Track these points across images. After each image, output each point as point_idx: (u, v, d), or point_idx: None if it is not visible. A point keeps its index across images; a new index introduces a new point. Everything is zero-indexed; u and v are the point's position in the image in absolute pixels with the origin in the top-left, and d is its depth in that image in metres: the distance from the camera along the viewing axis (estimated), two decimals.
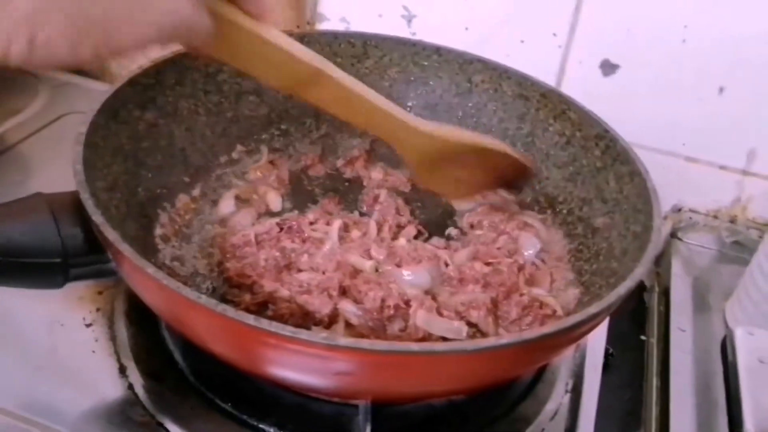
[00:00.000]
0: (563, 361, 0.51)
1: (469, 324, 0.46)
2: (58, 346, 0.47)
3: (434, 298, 0.48)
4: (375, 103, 0.47)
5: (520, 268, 0.51)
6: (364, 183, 0.62)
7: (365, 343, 0.33)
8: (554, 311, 0.47)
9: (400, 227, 0.55)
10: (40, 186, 0.44)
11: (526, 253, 0.53)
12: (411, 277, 0.49)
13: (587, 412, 0.47)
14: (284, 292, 0.46)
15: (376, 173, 0.62)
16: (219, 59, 0.43)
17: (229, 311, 0.33)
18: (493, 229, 0.56)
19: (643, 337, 0.58)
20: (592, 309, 0.37)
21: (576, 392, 0.49)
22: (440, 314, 0.46)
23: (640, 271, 0.40)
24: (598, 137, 0.53)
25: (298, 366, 0.35)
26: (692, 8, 0.61)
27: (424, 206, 0.59)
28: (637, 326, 0.59)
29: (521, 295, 0.49)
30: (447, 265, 0.51)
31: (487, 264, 0.51)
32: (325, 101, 0.46)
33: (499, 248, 0.53)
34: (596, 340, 0.53)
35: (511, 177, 0.56)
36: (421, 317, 0.45)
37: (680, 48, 0.63)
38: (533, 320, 0.47)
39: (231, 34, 0.39)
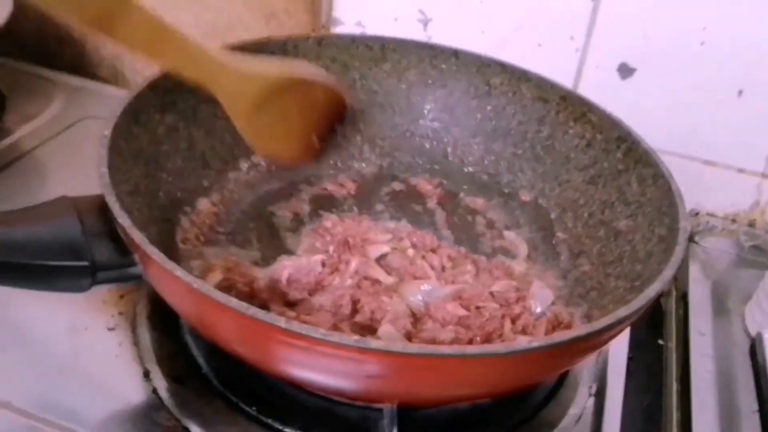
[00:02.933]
0: (586, 366, 0.50)
1: None
2: (81, 350, 0.47)
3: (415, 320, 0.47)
4: (185, 38, 0.44)
5: (514, 319, 0.47)
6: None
7: (397, 346, 0.33)
8: None
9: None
10: (58, 190, 0.44)
11: (534, 307, 0.49)
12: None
13: (612, 416, 0.47)
14: (290, 313, 0.45)
15: None
16: None
17: (260, 314, 0.33)
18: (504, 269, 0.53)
19: (660, 342, 0.57)
20: (622, 312, 0.36)
21: (600, 396, 0.49)
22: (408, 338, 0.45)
23: (669, 274, 0.39)
24: (620, 140, 0.53)
25: (328, 369, 0.35)
26: (710, 11, 0.61)
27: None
28: (654, 331, 0.58)
29: (503, 340, 0.46)
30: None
31: (468, 308, 0.48)
32: (131, 36, 0.42)
33: (493, 292, 0.50)
34: (619, 344, 0.52)
35: (332, 114, 0.54)
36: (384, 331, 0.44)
37: (698, 51, 0.63)
38: None
39: None
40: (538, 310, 0.48)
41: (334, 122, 0.55)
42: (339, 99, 0.53)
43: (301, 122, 0.53)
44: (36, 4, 0.38)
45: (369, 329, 0.45)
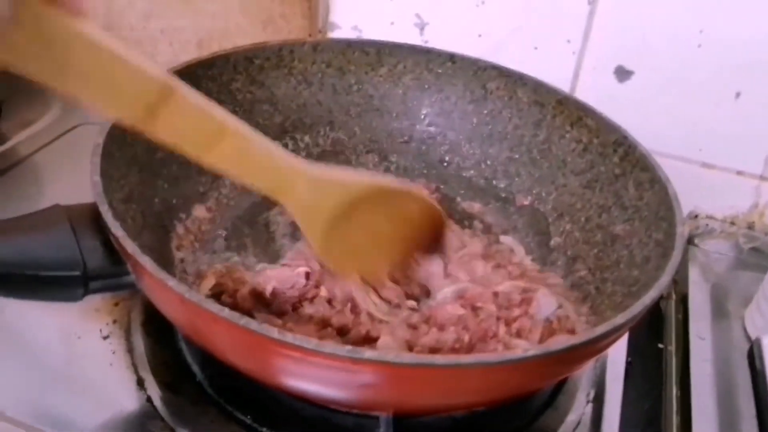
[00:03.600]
0: (584, 372, 0.50)
1: None
2: (75, 358, 0.47)
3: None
4: (247, 136, 0.36)
5: (509, 322, 0.47)
6: None
7: (390, 356, 0.33)
8: None
9: None
10: (55, 197, 0.44)
11: (536, 313, 0.47)
12: None
13: (610, 422, 0.47)
14: (277, 321, 0.45)
15: None
16: (23, 70, 0.30)
17: (253, 324, 0.33)
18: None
19: (660, 346, 0.57)
20: (619, 320, 0.36)
21: (598, 402, 0.49)
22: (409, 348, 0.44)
23: (666, 280, 0.39)
24: (617, 144, 0.53)
25: (322, 379, 0.35)
26: (707, 13, 0.61)
27: None
28: (654, 335, 0.58)
29: (497, 341, 0.45)
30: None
31: (466, 308, 0.47)
32: (178, 134, 0.35)
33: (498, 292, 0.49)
34: (617, 350, 0.52)
35: (426, 230, 0.46)
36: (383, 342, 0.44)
37: (696, 53, 0.62)
38: None
39: (43, 30, 0.29)
40: (539, 317, 0.48)
41: (429, 240, 0.47)
42: (434, 213, 0.46)
43: (389, 240, 0.45)
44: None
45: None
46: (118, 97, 0.32)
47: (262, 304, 0.46)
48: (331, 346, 0.32)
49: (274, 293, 0.46)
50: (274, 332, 0.32)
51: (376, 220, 0.43)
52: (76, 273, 0.39)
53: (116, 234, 0.37)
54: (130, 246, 0.36)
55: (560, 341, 0.34)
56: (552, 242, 0.56)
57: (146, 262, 0.35)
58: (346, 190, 0.41)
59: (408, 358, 0.33)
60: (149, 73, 0.32)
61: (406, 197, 0.44)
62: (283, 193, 0.39)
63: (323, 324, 0.45)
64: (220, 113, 0.36)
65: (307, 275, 0.47)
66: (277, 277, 0.46)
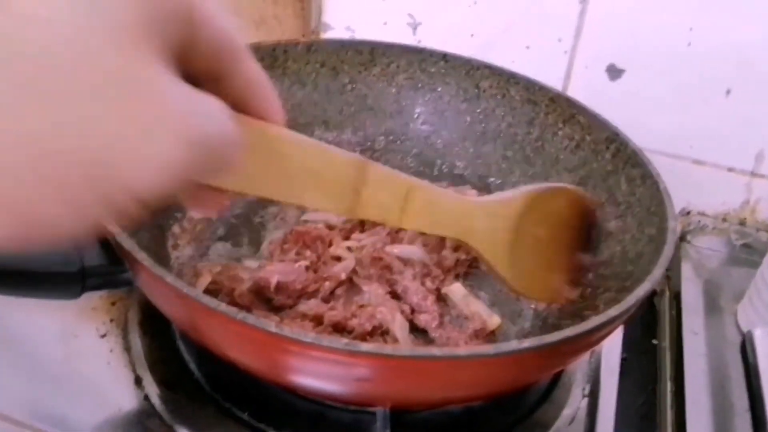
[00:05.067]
0: (579, 366, 0.50)
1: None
2: (73, 357, 0.47)
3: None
4: (428, 188, 0.36)
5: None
6: None
7: (387, 349, 0.33)
8: None
9: None
10: None
11: None
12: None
13: (605, 416, 0.47)
14: (273, 317, 0.45)
15: None
16: (241, 189, 0.28)
17: (250, 319, 0.33)
18: None
19: (654, 342, 0.57)
20: (612, 312, 0.36)
21: (593, 397, 0.49)
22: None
23: (658, 273, 0.40)
24: (608, 140, 0.53)
25: (319, 373, 0.35)
26: (697, 11, 0.61)
27: None
28: (648, 331, 0.58)
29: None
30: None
31: None
32: (383, 208, 0.34)
33: None
34: (612, 346, 0.53)
35: (580, 225, 0.47)
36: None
37: (686, 51, 0.63)
38: None
39: (257, 146, 0.27)
40: None
41: (589, 231, 0.47)
42: (582, 201, 0.46)
43: (561, 243, 0.45)
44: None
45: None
46: (330, 188, 0.31)
47: (261, 300, 0.46)
48: (328, 339, 0.32)
49: (278, 287, 0.46)
50: (272, 326, 0.32)
51: (542, 230, 0.44)
52: (73, 270, 0.39)
53: (113, 231, 0.37)
54: (127, 243, 0.36)
55: (555, 334, 0.34)
56: None
57: (143, 258, 0.36)
58: (511, 206, 0.42)
59: (404, 351, 0.34)
60: (344, 155, 0.31)
61: (558, 195, 0.45)
62: (469, 235, 0.40)
63: (318, 321, 0.46)
64: (401, 173, 0.36)
65: (307, 268, 0.48)
66: (279, 271, 0.47)
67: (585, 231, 0.48)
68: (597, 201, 0.49)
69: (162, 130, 0.19)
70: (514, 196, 0.43)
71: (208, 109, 0.22)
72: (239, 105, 0.25)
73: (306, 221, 0.54)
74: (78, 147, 0.18)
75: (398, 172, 0.35)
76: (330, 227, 0.53)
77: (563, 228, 0.46)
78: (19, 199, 0.18)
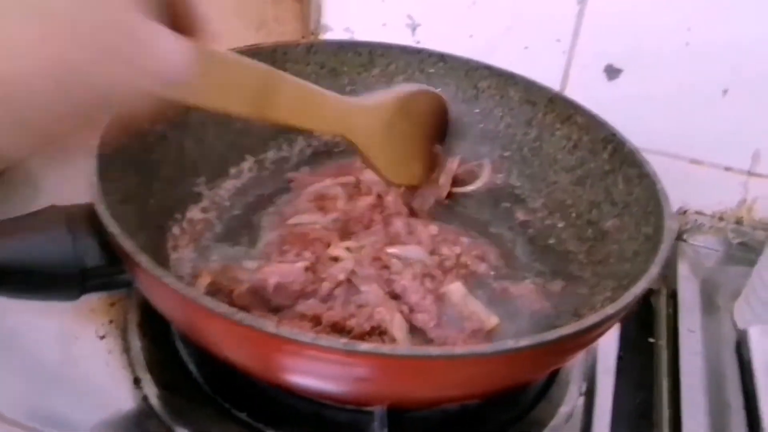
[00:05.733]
0: (576, 364, 0.51)
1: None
2: (72, 358, 0.47)
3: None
4: (323, 94, 0.43)
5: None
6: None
7: (385, 349, 0.33)
8: None
9: None
10: (51, 199, 0.44)
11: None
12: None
13: (602, 414, 0.47)
14: (272, 317, 0.45)
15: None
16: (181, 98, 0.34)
17: (248, 319, 0.33)
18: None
19: (651, 340, 0.58)
20: (609, 310, 0.37)
21: (590, 395, 0.49)
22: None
23: (655, 271, 0.40)
24: (606, 140, 0.54)
25: (317, 372, 0.35)
26: (695, 11, 0.62)
27: None
28: (644, 329, 0.59)
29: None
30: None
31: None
32: (286, 111, 0.41)
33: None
34: (609, 344, 0.53)
35: (438, 122, 0.55)
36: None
37: (684, 51, 0.63)
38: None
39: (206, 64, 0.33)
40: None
41: (443, 128, 0.56)
42: (440, 103, 0.55)
43: (422, 137, 0.54)
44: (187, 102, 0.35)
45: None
46: (247, 94, 0.38)
47: (260, 301, 0.46)
48: (326, 339, 0.33)
49: (277, 288, 0.46)
50: (271, 326, 0.33)
51: (408, 126, 0.52)
52: (73, 271, 0.39)
53: (113, 232, 0.37)
54: (126, 244, 0.37)
55: (551, 332, 0.35)
56: (544, 239, 0.57)
57: (143, 259, 0.36)
58: (384, 107, 0.50)
59: (402, 350, 0.34)
60: (258, 66, 0.37)
61: (421, 97, 0.53)
62: (350, 131, 0.47)
63: (316, 321, 0.46)
64: (313, 86, 0.42)
65: (306, 269, 0.48)
66: (278, 272, 0.47)
67: (441, 126, 0.57)
68: (446, 101, 0.56)
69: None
70: (385, 98, 0.50)
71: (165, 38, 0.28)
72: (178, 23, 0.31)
73: (299, 224, 0.54)
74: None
75: (317, 88, 0.42)
76: (326, 228, 0.53)
77: (424, 124, 0.54)
78: None
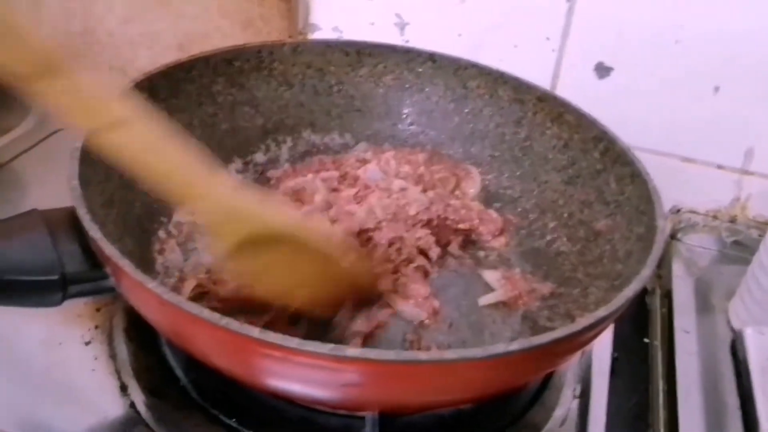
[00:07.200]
0: (570, 367, 0.50)
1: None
2: (57, 364, 0.46)
3: None
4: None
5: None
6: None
7: (373, 354, 0.33)
8: None
9: None
10: (35, 203, 0.43)
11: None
12: None
13: (597, 416, 0.47)
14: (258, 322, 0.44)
15: None
16: None
17: (233, 324, 0.32)
18: None
19: (646, 340, 0.57)
20: (601, 312, 0.36)
21: (584, 397, 0.49)
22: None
23: (647, 273, 0.39)
24: (597, 139, 0.53)
25: (305, 378, 0.34)
26: (685, 9, 0.61)
27: None
28: (639, 330, 0.58)
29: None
30: None
31: None
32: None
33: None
34: (602, 344, 0.52)
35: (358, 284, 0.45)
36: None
37: (674, 48, 0.63)
38: None
39: None
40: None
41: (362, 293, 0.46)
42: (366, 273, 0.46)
43: (306, 276, 0.43)
44: None
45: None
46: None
47: (248, 303, 0.45)
48: (312, 344, 0.32)
49: None
50: (256, 332, 0.32)
51: (286, 257, 0.41)
52: (54, 277, 0.39)
53: (94, 237, 0.36)
54: (108, 248, 0.36)
55: (544, 335, 0.34)
56: (535, 240, 0.56)
57: (125, 264, 0.35)
58: (263, 226, 0.40)
59: (390, 355, 0.33)
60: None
61: (319, 250, 0.42)
62: (193, 199, 0.39)
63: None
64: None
65: None
66: None
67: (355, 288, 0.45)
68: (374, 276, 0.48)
69: None
70: (273, 220, 0.41)
71: None
72: None
73: None
74: None
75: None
76: None
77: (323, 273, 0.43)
78: None
